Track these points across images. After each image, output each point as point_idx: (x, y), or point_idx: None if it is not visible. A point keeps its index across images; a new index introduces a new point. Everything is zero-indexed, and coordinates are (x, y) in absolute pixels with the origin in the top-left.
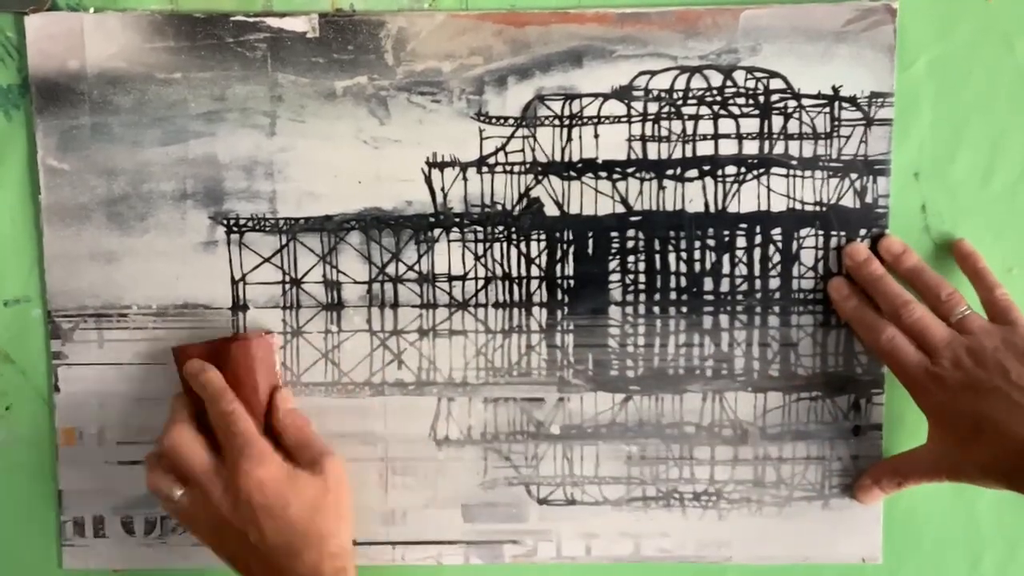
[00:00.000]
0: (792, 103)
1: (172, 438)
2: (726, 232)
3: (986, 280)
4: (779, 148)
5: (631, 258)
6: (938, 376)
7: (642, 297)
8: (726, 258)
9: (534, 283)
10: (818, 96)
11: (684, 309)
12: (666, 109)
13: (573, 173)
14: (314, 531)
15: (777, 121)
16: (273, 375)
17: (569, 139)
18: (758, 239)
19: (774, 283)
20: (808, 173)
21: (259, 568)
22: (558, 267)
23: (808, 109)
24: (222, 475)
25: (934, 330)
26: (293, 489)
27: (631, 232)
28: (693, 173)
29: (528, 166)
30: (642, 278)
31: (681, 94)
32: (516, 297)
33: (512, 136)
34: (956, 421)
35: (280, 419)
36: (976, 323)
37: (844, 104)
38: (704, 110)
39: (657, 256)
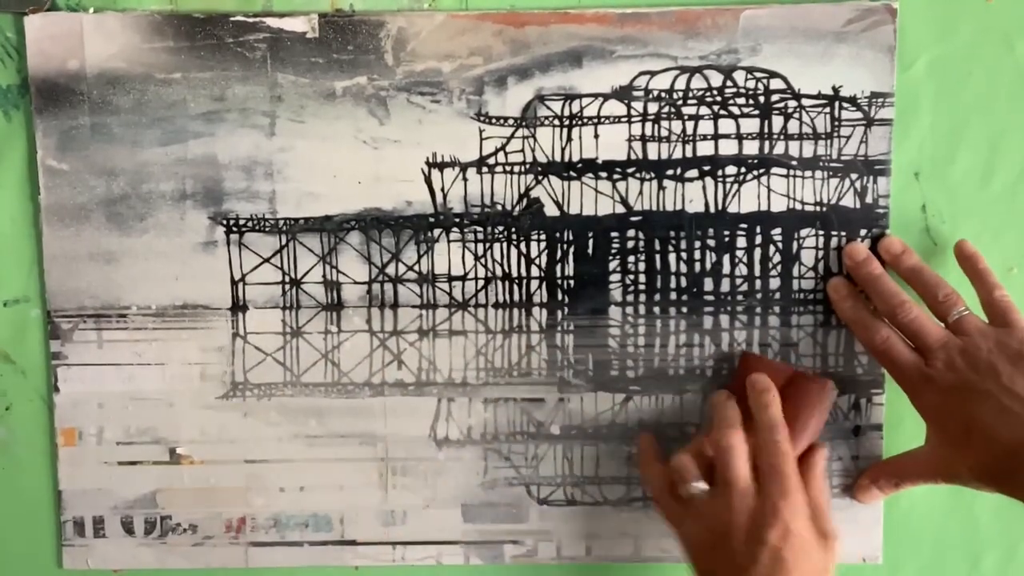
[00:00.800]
0: (792, 103)
1: (729, 438)
2: (726, 232)
3: (986, 281)
4: (779, 148)
5: (631, 258)
6: (930, 377)
7: (642, 297)
8: (726, 258)
9: (534, 283)
10: (818, 96)
11: (684, 309)
12: (666, 109)
13: (573, 173)
14: None
15: (777, 121)
16: (820, 427)
17: (569, 139)
18: (758, 239)
19: (774, 283)
20: (808, 173)
21: None
22: (558, 267)
23: (808, 109)
24: (754, 501)
25: (929, 331)
26: (806, 554)
27: (631, 232)
28: (693, 173)
29: (528, 166)
30: (642, 278)
31: (681, 94)
32: (516, 297)
33: (512, 136)
34: (948, 423)
35: (809, 479)
36: (972, 324)
37: (844, 104)
38: (704, 110)
39: (657, 256)
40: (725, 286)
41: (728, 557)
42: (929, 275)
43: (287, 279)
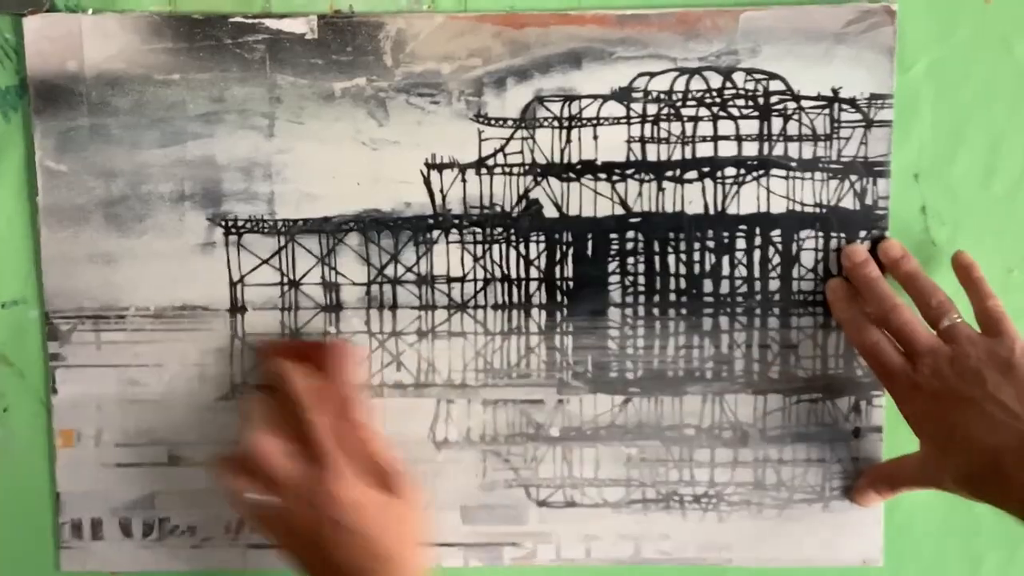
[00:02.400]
0: (792, 105)
1: (257, 443)
2: (726, 234)
3: (980, 290)
4: (779, 150)
5: (630, 260)
6: (916, 383)
7: (641, 299)
8: (726, 260)
9: (533, 285)
10: (818, 98)
11: (684, 311)
12: (665, 111)
13: (572, 175)
14: (394, 554)
15: (777, 123)
16: (354, 385)
17: (568, 140)
18: (758, 241)
19: (774, 285)
20: (808, 175)
21: None
22: (557, 269)
23: (808, 111)
24: (307, 487)
25: (919, 336)
26: (382, 513)
27: (630, 234)
28: (692, 175)
29: (527, 168)
30: (641, 280)
31: (680, 96)
32: (515, 299)
33: (511, 138)
34: (932, 429)
35: (355, 435)
36: (963, 332)
37: (844, 106)
38: (703, 112)
39: (656, 258)
40: (724, 288)
41: (321, 550)
42: (924, 281)
43: (286, 280)
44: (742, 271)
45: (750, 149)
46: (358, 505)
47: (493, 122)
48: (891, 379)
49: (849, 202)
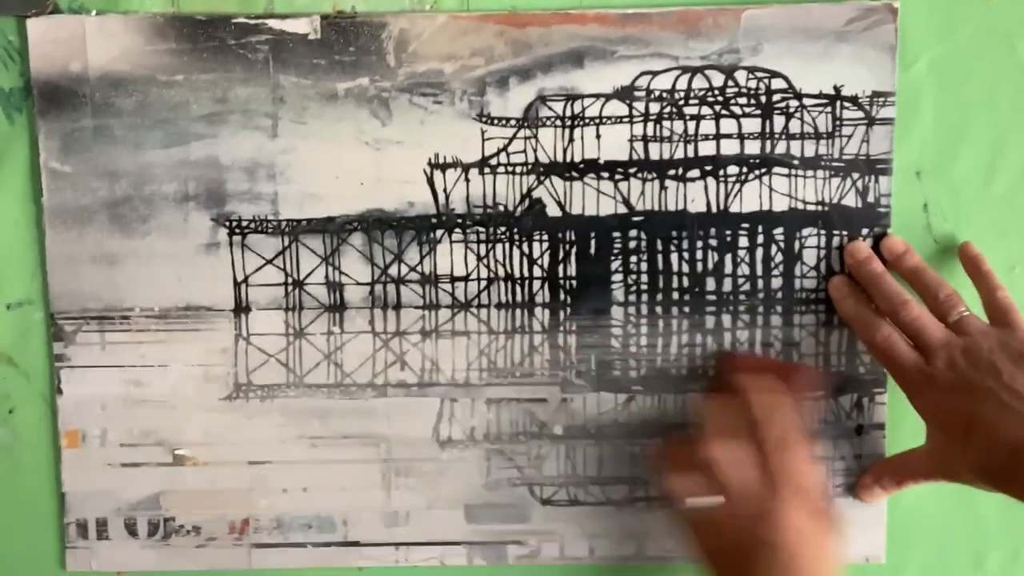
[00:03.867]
0: (794, 103)
1: (714, 449)
2: (728, 232)
3: (988, 282)
4: (781, 148)
5: (633, 258)
6: (931, 376)
7: (644, 297)
8: (728, 258)
9: (536, 284)
10: (819, 96)
11: (686, 309)
12: (668, 109)
13: (575, 174)
14: None
15: (779, 121)
16: (807, 413)
17: (571, 140)
18: (760, 239)
19: (776, 283)
20: (810, 173)
21: None
22: (560, 268)
23: (810, 109)
24: (757, 504)
25: (931, 330)
26: (818, 543)
27: (633, 232)
28: (695, 173)
29: (530, 167)
30: (644, 278)
31: (683, 94)
32: (518, 298)
33: (514, 137)
34: (948, 422)
35: (800, 461)
36: (973, 324)
37: (846, 104)
38: (706, 110)
39: (659, 256)
40: (727, 286)
41: (752, 568)
42: (930, 276)
43: (290, 280)
44: (744, 269)
45: (752, 147)
46: (801, 533)
47: (496, 121)
48: (904, 374)
49: (851, 200)
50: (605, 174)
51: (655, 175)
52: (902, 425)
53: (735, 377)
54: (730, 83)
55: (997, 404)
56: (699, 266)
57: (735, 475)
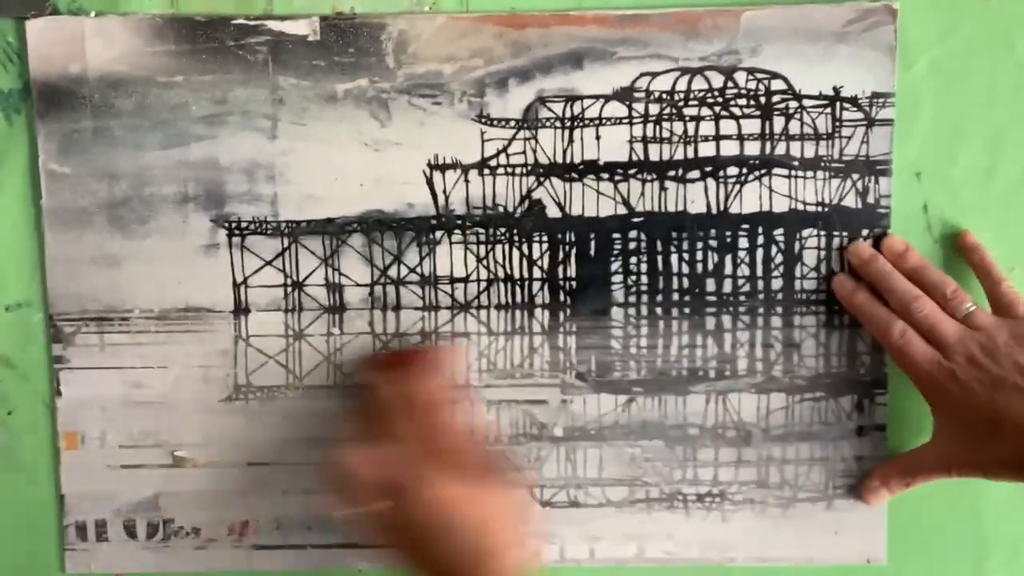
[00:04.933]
0: (793, 104)
1: (346, 457)
2: (728, 233)
3: (992, 273)
4: (780, 149)
5: (633, 259)
6: (952, 373)
7: (644, 298)
8: (728, 259)
9: (536, 285)
10: (819, 97)
11: (687, 310)
12: (667, 110)
13: (575, 175)
14: (497, 549)
15: (778, 122)
16: (442, 387)
17: (570, 141)
18: (760, 240)
19: (776, 284)
20: (810, 174)
21: None
22: (560, 269)
23: (809, 110)
24: (399, 494)
25: (946, 326)
26: (471, 508)
27: (633, 233)
28: (695, 174)
29: (530, 168)
30: (644, 279)
31: (682, 95)
32: (518, 299)
33: (513, 138)
34: (971, 418)
35: (446, 435)
36: (984, 319)
37: (845, 105)
38: (705, 111)
39: (659, 257)
40: (727, 287)
41: (430, 552)
42: (934, 273)
43: (289, 282)
44: (745, 270)
45: (752, 148)
46: (449, 504)
47: (495, 123)
48: (921, 371)
49: (851, 201)
50: (605, 175)
51: (655, 176)
52: (903, 426)
53: (362, 378)
54: (730, 84)
55: (1023, 398)
56: (699, 267)
57: (372, 473)
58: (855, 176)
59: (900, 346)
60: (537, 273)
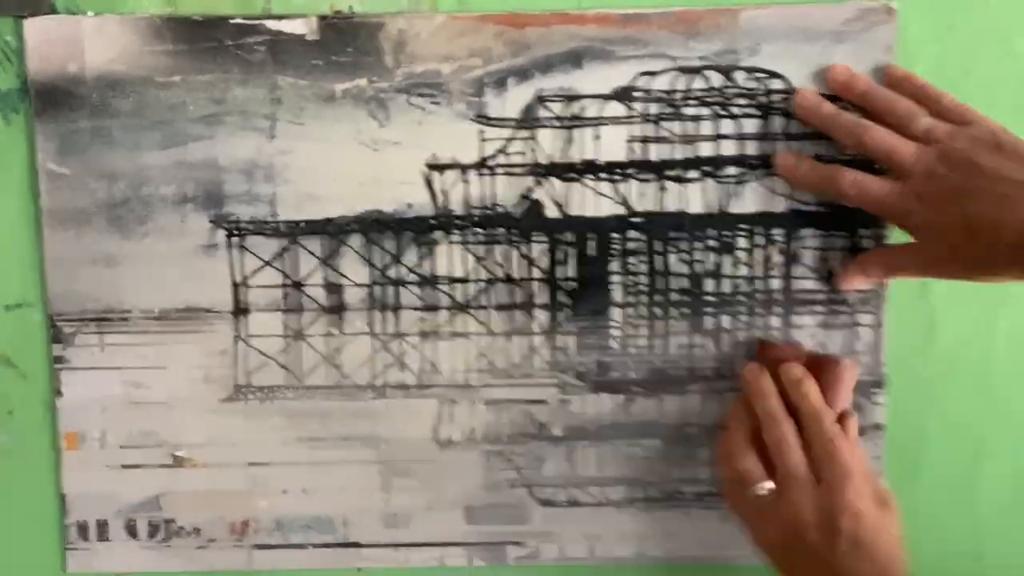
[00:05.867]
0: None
1: (781, 432)
2: (727, 233)
3: (930, 93)
4: (781, 148)
5: (632, 259)
6: (914, 193)
7: (643, 298)
8: (727, 259)
9: (535, 285)
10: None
11: (686, 310)
12: (666, 110)
13: (574, 174)
14: (891, 570)
15: (778, 121)
16: (848, 401)
17: (569, 140)
18: (759, 240)
19: (775, 284)
20: None
21: None
22: (559, 269)
23: None
24: (816, 492)
25: (900, 149)
26: (877, 528)
27: (632, 233)
28: (694, 174)
29: (529, 168)
30: (643, 279)
31: (681, 95)
32: (517, 299)
33: (512, 138)
34: (944, 230)
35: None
36: (939, 129)
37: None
38: (704, 111)
39: (658, 257)
40: (726, 287)
41: (807, 553)
42: (882, 94)
43: (288, 282)
44: (743, 270)
45: (751, 148)
46: (864, 517)
47: (494, 122)
48: (885, 204)
49: None
50: (604, 175)
51: (654, 176)
52: (902, 425)
53: (791, 373)
54: (729, 83)
55: (992, 197)
56: (698, 267)
57: (784, 461)
58: None
59: (855, 194)
60: (536, 273)
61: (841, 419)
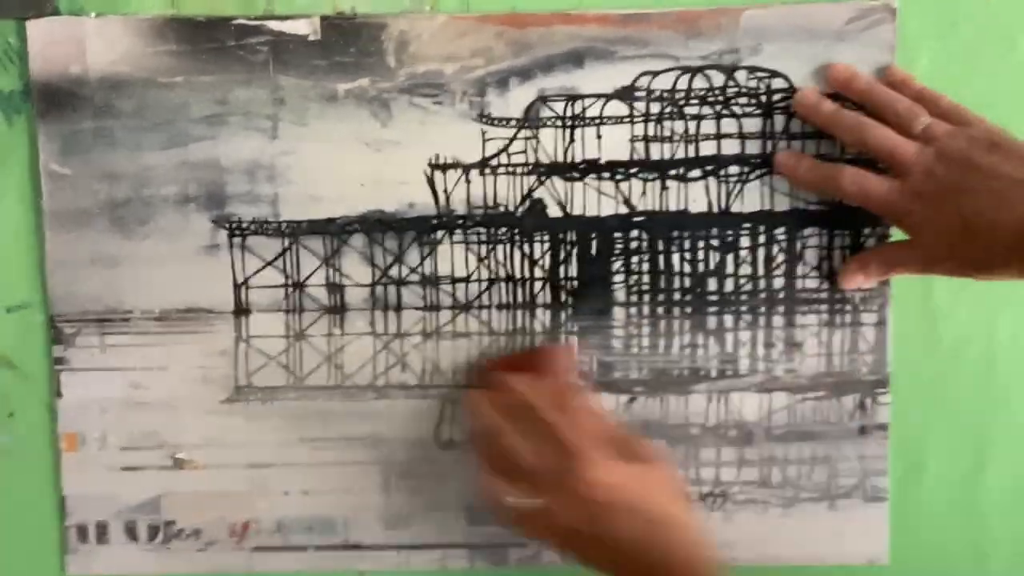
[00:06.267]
0: None
1: (508, 443)
2: (729, 232)
3: (928, 96)
4: (782, 147)
5: (635, 259)
6: (913, 192)
7: (646, 298)
8: (730, 258)
9: (537, 285)
10: None
11: (688, 310)
12: (668, 109)
13: (576, 174)
14: (666, 514)
15: (779, 120)
16: (568, 378)
17: (571, 140)
18: (762, 239)
19: (778, 283)
20: None
21: (625, 564)
22: (561, 268)
23: None
24: (565, 480)
25: (901, 148)
26: (640, 480)
27: (634, 233)
28: (696, 173)
29: (531, 167)
30: (646, 279)
31: (683, 94)
32: (519, 299)
33: (514, 137)
34: (943, 229)
35: (585, 420)
36: (939, 129)
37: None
38: (706, 110)
39: (661, 256)
40: (729, 286)
41: (596, 538)
42: (884, 92)
43: (290, 282)
44: (746, 269)
45: (753, 147)
46: (618, 482)
47: (496, 122)
48: (884, 201)
49: None
50: (606, 174)
51: (656, 175)
52: (905, 425)
53: (493, 380)
54: (730, 83)
55: (989, 195)
56: (701, 266)
57: (537, 461)
58: None
59: (855, 192)
60: (538, 273)
61: (564, 397)
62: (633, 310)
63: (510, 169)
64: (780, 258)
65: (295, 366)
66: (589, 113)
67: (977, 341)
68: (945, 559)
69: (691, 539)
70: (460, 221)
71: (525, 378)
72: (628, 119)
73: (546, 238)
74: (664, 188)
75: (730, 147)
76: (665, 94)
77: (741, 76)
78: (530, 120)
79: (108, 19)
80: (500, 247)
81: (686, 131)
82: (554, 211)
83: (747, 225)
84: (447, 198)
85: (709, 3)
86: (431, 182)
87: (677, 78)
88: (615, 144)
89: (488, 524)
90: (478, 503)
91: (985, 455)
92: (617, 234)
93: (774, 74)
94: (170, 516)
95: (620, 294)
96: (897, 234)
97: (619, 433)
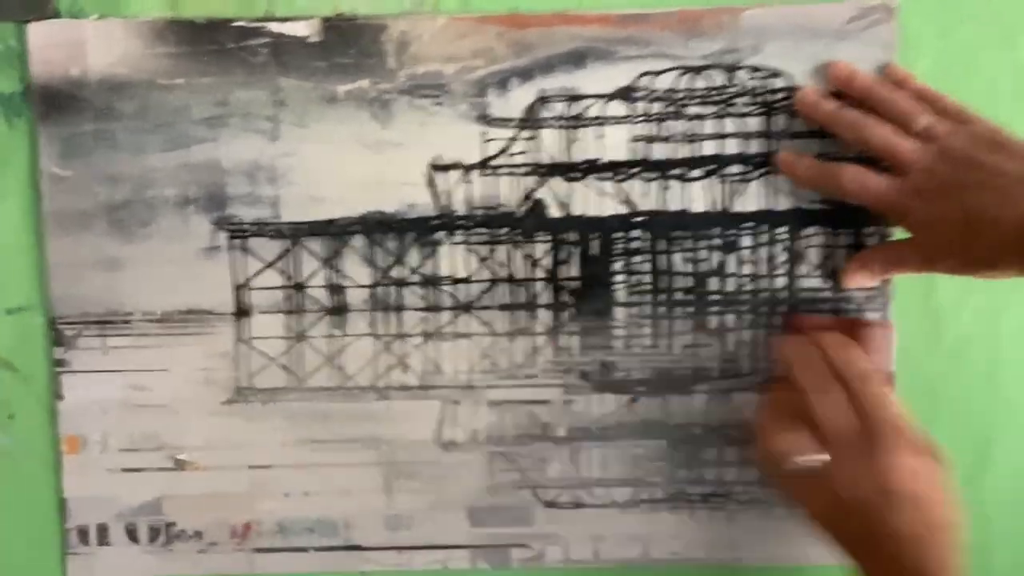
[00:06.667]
0: None
1: (829, 400)
2: (731, 232)
3: (929, 95)
4: (783, 146)
5: (636, 259)
6: (914, 190)
7: (647, 298)
8: (731, 258)
9: (539, 285)
10: None
11: (690, 309)
12: (669, 109)
13: (577, 174)
14: (946, 523)
15: (780, 119)
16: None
17: (572, 140)
18: (763, 238)
19: (780, 282)
20: None
21: (884, 557)
22: (562, 269)
23: None
24: (861, 454)
25: (902, 147)
26: (934, 480)
27: (636, 232)
28: (697, 173)
29: (531, 168)
30: (647, 279)
31: (684, 94)
32: (521, 299)
33: (515, 138)
34: (944, 226)
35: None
36: (940, 128)
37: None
38: (707, 109)
39: (662, 256)
40: (731, 286)
41: (863, 514)
42: (884, 90)
43: (291, 283)
44: (748, 269)
45: (754, 146)
46: (915, 472)
47: (497, 123)
48: (885, 200)
49: None
50: (607, 174)
51: (657, 175)
52: None
53: (829, 339)
54: (731, 82)
55: (992, 194)
56: (702, 266)
57: (834, 425)
58: None
59: (856, 190)
60: (539, 273)
61: (876, 374)
62: (634, 310)
63: (511, 169)
64: (782, 258)
65: (296, 367)
66: (590, 113)
67: (979, 340)
68: None
69: (953, 553)
70: (461, 222)
71: (849, 343)
72: (629, 119)
73: (547, 238)
74: (665, 188)
75: (731, 147)
76: (666, 94)
77: (742, 75)
78: (531, 120)
79: (108, 21)
80: (501, 248)
81: (687, 131)
82: (555, 211)
83: (748, 225)
84: (448, 199)
85: (710, 3)
86: (432, 183)
87: (678, 78)
88: (616, 144)
89: (489, 525)
90: (481, 502)
91: (988, 454)
92: (618, 234)
93: (775, 73)
94: (171, 518)
95: (621, 294)
96: (898, 233)
97: (913, 423)
